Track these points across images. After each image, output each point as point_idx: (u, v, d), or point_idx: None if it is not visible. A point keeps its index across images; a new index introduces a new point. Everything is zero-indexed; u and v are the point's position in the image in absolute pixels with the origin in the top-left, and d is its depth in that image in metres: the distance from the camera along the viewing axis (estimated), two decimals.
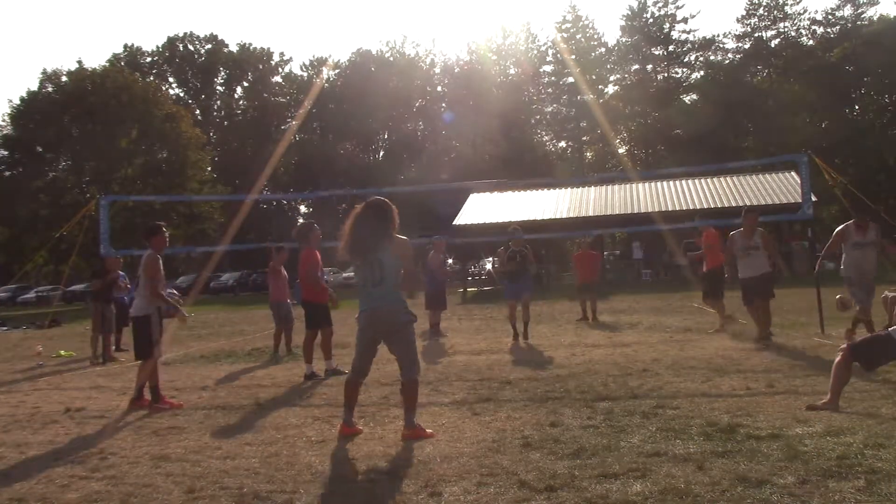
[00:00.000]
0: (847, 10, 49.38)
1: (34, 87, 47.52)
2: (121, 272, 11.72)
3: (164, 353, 7.30)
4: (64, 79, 43.90)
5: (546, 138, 59.49)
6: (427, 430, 4.99)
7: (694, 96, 53.09)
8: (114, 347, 11.48)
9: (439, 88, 60.87)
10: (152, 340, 6.77)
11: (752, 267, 8.79)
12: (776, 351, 8.26)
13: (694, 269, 13.84)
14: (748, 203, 27.04)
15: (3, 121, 45.70)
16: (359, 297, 5.13)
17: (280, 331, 10.57)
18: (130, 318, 7.24)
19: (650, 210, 26.96)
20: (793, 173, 27.67)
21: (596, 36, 56.30)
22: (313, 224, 8.50)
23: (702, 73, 53.41)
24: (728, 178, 29.77)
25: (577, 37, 55.32)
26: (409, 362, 5.07)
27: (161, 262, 6.96)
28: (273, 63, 62.59)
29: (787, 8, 51.51)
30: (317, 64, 62.22)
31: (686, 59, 54.07)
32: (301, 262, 8.25)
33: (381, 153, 60.91)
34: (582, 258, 14.31)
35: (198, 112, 58.28)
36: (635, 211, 28.07)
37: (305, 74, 62.25)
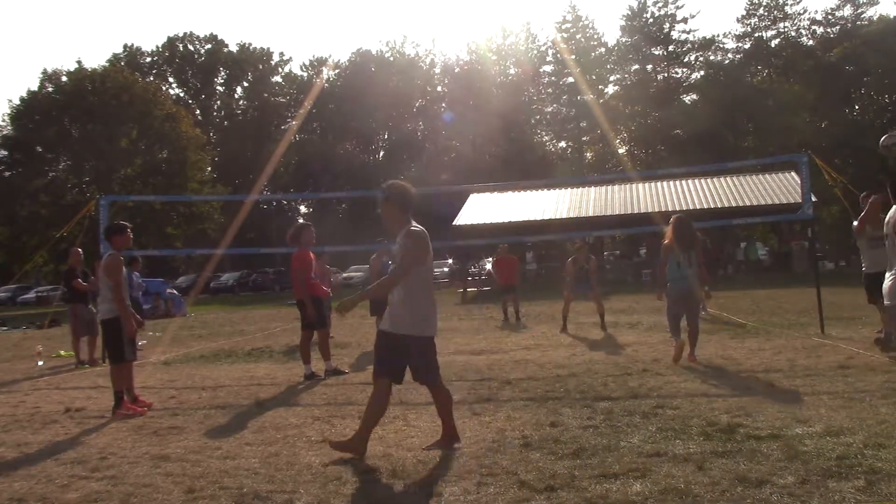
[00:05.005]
0: (847, 10, 49.29)
1: (34, 87, 47.47)
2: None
3: (139, 356, 7.01)
4: (64, 79, 43.81)
5: (546, 138, 59.38)
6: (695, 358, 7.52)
7: (694, 96, 52.94)
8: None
9: (439, 88, 60.80)
10: (123, 343, 6.45)
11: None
12: (776, 351, 8.25)
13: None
14: (748, 203, 27.03)
15: (3, 121, 45.65)
16: (670, 276, 7.66)
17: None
18: (99, 322, 6.88)
19: (650, 210, 26.94)
20: (793, 173, 27.65)
21: (596, 36, 56.20)
22: (307, 225, 8.49)
23: (702, 73, 53.30)
24: (728, 178, 29.75)
25: (577, 37, 55.22)
26: (692, 324, 7.66)
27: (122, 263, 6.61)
28: (273, 63, 62.54)
29: (787, 8, 51.40)
30: (317, 64, 62.18)
31: (686, 59, 53.95)
32: (294, 263, 8.24)
33: (381, 153, 60.86)
34: (501, 263, 14.97)
35: (198, 112, 58.23)
36: (635, 211, 28.04)
37: (305, 74, 62.24)
